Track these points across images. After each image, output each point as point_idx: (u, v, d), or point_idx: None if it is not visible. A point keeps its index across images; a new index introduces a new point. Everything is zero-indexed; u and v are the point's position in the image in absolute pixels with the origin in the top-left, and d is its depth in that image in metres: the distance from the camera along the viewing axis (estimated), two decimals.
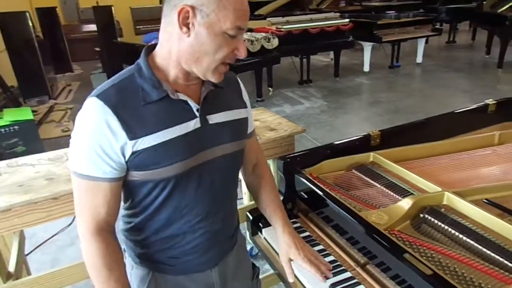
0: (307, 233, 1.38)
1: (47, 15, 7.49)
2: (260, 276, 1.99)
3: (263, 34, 5.09)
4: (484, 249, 1.06)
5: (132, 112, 0.84)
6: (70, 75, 8.01)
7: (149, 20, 10.06)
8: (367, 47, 6.80)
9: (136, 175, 0.88)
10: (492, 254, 1.04)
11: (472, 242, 1.09)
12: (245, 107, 1.05)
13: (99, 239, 0.89)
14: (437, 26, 7.37)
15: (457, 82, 6.16)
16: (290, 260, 1.10)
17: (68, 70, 8.13)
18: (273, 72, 5.97)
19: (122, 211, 1.00)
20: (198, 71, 0.87)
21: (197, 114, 0.90)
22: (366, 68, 7.02)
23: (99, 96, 0.84)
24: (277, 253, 1.33)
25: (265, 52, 5.07)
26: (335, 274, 1.17)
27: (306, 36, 5.81)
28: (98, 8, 6.82)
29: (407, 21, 7.02)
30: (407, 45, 8.12)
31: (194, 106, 0.90)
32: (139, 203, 0.94)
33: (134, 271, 1.03)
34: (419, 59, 7.50)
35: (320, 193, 1.31)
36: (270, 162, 1.63)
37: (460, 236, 1.12)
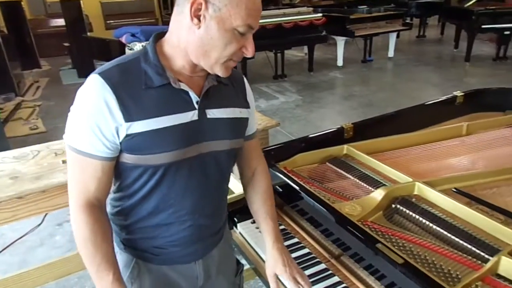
0: (282, 227, 1.37)
1: (11, 9, 7.16)
2: None
3: None
4: (453, 237, 1.08)
5: (132, 94, 0.84)
6: (38, 71, 7.71)
7: (120, 14, 9.81)
8: (340, 41, 6.87)
9: (128, 158, 0.88)
10: (461, 242, 1.06)
11: (442, 230, 1.12)
12: (248, 107, 1.04)
13: (87, 212, 0.88)
14: (407, 21, 7.52)
15: (427, 76, 6.32)
16: (276, 274, 1.06)
17: (36, 66, 7.82)
18: (248, 67, 5.95)
19: (111, 194, 0.99)
20: (205, 64, 0.87)
21: (196, 106, 0.90)
22: (340, 62, 7.10)
23: (101, 74, 0.84)
24: (253, 248, 1.33)
25: None
26: (310, 266, 1.18)
27: (280, 30, 5.81)
28: (66, 2, 6.58)
29: (378, 16, 7.13)
30: (379, 40, 8.27)
31: (194, 98, 0.90)
32: (128, 187, 0.93)
33: (118, 256, 1.00)
34: (391, 53, 7.65)
35: (295, 186, 1.30)
36: None
37: (431, 225, 1.15)
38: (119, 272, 0.91)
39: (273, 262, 1.05)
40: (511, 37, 6.70)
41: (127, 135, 0.84)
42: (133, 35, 4.36)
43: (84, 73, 6.60)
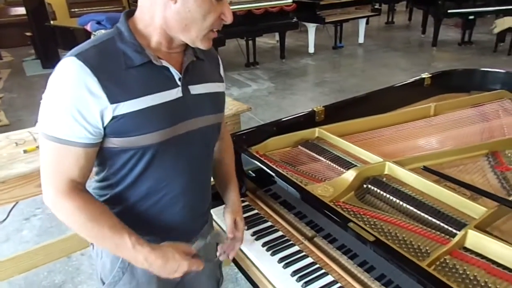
0: (255, 211, 1.37)
1: None
2: None
3: None
4: (422, 214, 1.10)
5: (113, 76, 0.80)
6: None
7: (85, 2, 9.40)
8: (311, 28, 6.87)
9: (115, 142, 0.84)
10: (430, 218, 1.08)
11: (411, 208, 1.14)
12: (223, 81, 1.04)
13: (75, 197, 0.83)
14: (376, 6, 7.60)
15: (396, 61, 6.43)
16: (235, 221, 1.11)
17: None
18: (219, 55, 5.83)
19: (93, 184, 0.96)
20: (186, 39, 0.85)
21: (178, 83, 0.88)
22: (311, 49, 7.11)
23: (78, 55, 0.79)
24: (225, 232, 1.31)
25: None
26: (283, 249, 1.18)
27: (250, 17, 5.74)
28: None
29: (348, 1, 7.15)
30: (349, 26, 8.32)
31: (176, 74, 0.88)
32: (115, 174, 0.89)
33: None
34: (361, 39, 7.73)
35: (267, 170, 1.29)
36: None
37: (401, 203, 1.16)
38: (134, 233, 0.87)
39: (236, 209, 1.12)
40: (476, 21, 6.90)
41: (113, 117, 0.80)
42: (98, 22, 4.20)
43: (48, 64, 6.33)
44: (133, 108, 0.81)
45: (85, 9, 8.77)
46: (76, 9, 9.17)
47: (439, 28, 6.90)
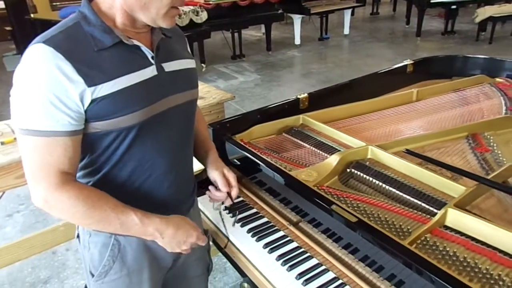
0: (240, 198, 1.37)
1: None
2: None
3: (191, 7, 4.91)
4: (404, 195, 1.12)
5: (86, 59, 0.78)
6: None
7: None
8: (297, 20, 6.86)
9: (97, 126, 0.82)
10: (412, 199, 1.10)
11: (394, 190, 1.15)
12: (193, 58, 1.03)
13: (68, 188, 0.81)
14: None
15: (381, 52, 6.48)
16: (223, 174, 1.13)
17: None
18: (205, 48, 5.81)
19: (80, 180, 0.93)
20: (147, 18, 0.83)
21: (152, 61, 0.87)
22: (297, 41, 7.11)
23: (47, 42, 0.76)
24: (212, 222, 1.31)
25: (194, 26, 4.91)
26: (268, 234, 1.18)
27: (236, 9, 5.71)
28: None
29: None
30: (334, 18, 8.34)
31: (148, 53, 0.87)
32: (98, 158, 0.87)
33: (92, 239, 0.95)
34: (346, 30, 7.75)
35: (252, 157, 1.29)
36: None
37: (384, 185, 1.18)
38: (139, 210, 0.86)
39: (220, 164, 1.14)
40: (458, 11, 6.98)
41: (92, 101, 0.78)
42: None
43: None
44: (111, 90, 0.80)
45: (67, 2, 8.59)
46: (57, 3, 8.95)
47: (423, 19, 6.97)
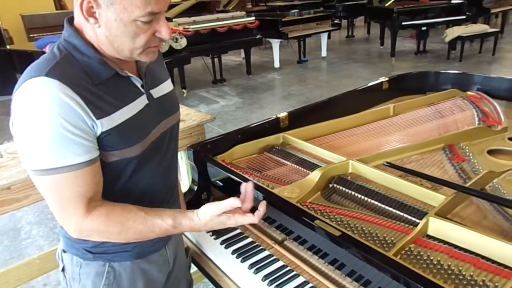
0: None
1: None
2: None
3: None
4: (387, 207, 1.12)
5: (88, 92, 0.76)
6: None
7: (44, 27, 9.20)
8: (275, 44, 7.01)
9: (102, 156, 0.82)
10: (394, 210, 1.11)
11: (376, 202, 1.16)
12: (169, 77, 1.03)
13: (97, 212, 0.80)
14: (336, 21, 7.87)
15: (358, 72, 6.65)
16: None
17: None
18: (186, 74, 5.85)
19: None
20: (125, 57, 0.82)
21: (142, 90, 0.88)
22: (277, 64, 7.24)
23: (48, 74, 0.72)
24: (197, 246, 1.29)
25: (174, 53, 4.95)
26: (253, 255, 1.16)
27: (215, 35, 5.80)
28: None
29: (309, 17, 7.39)
30: (312, 41, 8.56)
31: (138, 82, 0.87)
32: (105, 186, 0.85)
33: (84, 269, 0.93)
34: (324, 53, 7.96)
35: (234, 177, 1.28)
36: (181, 154, 1.57)
37: (366, 199, 1.18)
38: (166, 213, 0.86)
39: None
40: (428, 32, 7.28)
41: (101, 133, 0.78)
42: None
43: (6, 90, 6.09)
44: (112, 125, 0.79)
45: (44, 34, 8.57)
46: (35, 34, 8.94)
47: (396, 40, 7.21)
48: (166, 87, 0.97)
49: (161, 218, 0.85)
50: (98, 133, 0.78)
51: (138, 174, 0.88)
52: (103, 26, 0.76)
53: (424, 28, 7.04)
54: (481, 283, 0.83)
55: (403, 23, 6.85)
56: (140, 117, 0.85)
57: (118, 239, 0.85)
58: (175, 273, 1.10)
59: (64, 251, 0.96)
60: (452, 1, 7.12)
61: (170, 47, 4.86)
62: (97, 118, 0.76)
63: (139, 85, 0.87)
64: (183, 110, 1.88)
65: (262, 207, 0.90)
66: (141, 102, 0.87)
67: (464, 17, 6.77)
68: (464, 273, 0.86)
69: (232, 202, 0.86)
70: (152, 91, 0.91)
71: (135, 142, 0.84)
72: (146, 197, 0.92)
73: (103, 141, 0.79)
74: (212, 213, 0.87)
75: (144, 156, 0.87)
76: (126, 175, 0.87)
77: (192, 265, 1.34)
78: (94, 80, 0.78)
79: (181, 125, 1.71)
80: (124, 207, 0.84)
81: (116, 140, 0.81)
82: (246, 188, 0.91)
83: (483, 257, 0.89)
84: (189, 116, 1.63)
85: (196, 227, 0.88)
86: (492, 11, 7.92)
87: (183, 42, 5.00)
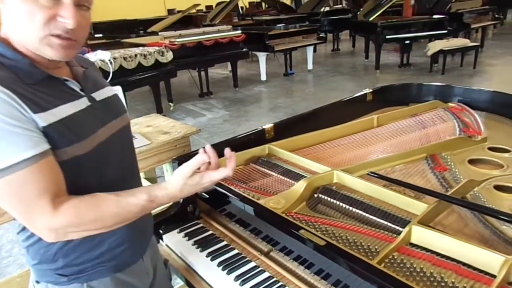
0: (210, 232, 1.34)
1: None
2: None
3: (156, 48, 4.97)
4: (370, 216, 1.14)
5: (21, 88, 0.74)
6: None
7: None
8: (262, 57, 7.09)
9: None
10: (378, 219, 1.12)
11: (360, 212, 1.17)
12: (109, 85, 1.03)
13: (67, 205, 0.76)
14: (321, 35, 8.01)
15: (344, 84, 6.75)
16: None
17: None
18: (173, 87, 5.85)
19: (24, 234, 0.86)
20: (32, 47, 0.78)
21: (82, 93, 0.87)
22: (263, 77, 7.31)
23: None
24: (182, 259, 1.27)
25: (160, 66, 4.95)
26: (239, 266, 1.15)
27: (201, 48, 5.84)
28: None
29: (295, 31, 7.50)
30: (298, 54, 8.68)
31: (76, 85, 0.87)
32: None
33: None
34: (310, 66, 8.07)
35: (219, 189, 1.28)
36: (166, 166, 1.56)
37: (350, 208, 1.19)
38: (148, 187, 0.85)
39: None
40: (412, 46, 7.46)
41: (42, 128, 0.75)
42: None
43: None
44: (53, 119, 0.77)
45: None
46: None
47: (380, 53, 7.36)
48: (109, 91, 0.97)
49: (134, 196, 0.83)
50: (40, 127, 0.75)
51: (94, 175, 0.85)
52: (8, 3, 0.74)
53: (407, 42, 7.21)
54: None
55: (387, 37, 7.00)
56: (83, 115, 0.84)
57: (97, 228, 0.81)
58: (157, 285, 1.08)
59: (38, 282, 0.91)
60: (434, 16, 7.32)
61: (156, 60, 4.86)
62: (34, 112, 0.74)
63: (77, 89, 0.86)
64: (169, 122, 1.88)
65: (231, 157, 0.90)
66: (83, 102, 0.86)
67: (445, 31, 6.96)
68: (446, 280, 0.87)
69: (199, 158, 0.86)
70: (93, 94, 0.90)
71: (80, 139, 0.81)
72: None
73: (47, 138, 0.76)
74: (183, 175, 0.86)
75: (96, 156, 0.84)
76: (82, 177, 0.83)
77: (178, 279, 1.32)
78: (26, 80, 0.77)
79: (166, 137, 1.72)
80: (93, 195, 0.80)
81: (59, 137, 0.77)
82: (205, 149, 0.90)
83: (464, 264, 0.90)
84: (174, 128, 1.63)
85: (172, 194, 0.86)
86: (472, 26, 8.16)
87: (169, 56, 5.01)
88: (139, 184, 1.03)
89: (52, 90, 0.80)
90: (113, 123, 0.92)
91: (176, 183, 0.86)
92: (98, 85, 0.95)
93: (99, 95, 0.92)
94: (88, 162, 0.83)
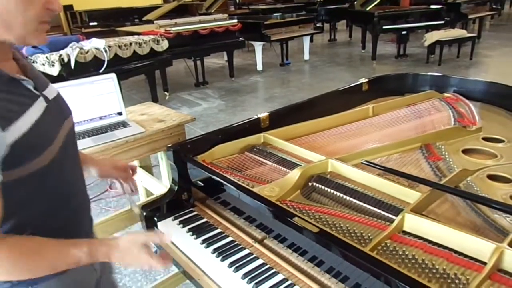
0: (204, 220, 1.34)
1: None
2: (165, 277, 1.90)
3: (151, 37, 4.92)
4: (364, 204, 1.14)
5: None
6: None
7: None
8: (258, 46, 7.04)
9: (14, 174, 0.73)
10: (371, 208, 1.12)
11: (354, 200, 1.17)
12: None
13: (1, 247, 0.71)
14: (318, 25, 7.97)
15: (340, 75, 6.74)
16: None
17: None
18: (169, 76, 5.82)
19: None
20: (15, 37, 0.73)
21: (36, 92, 0.81)
22: (259, 67, 7.27)
23: None
24: (178, 248, 1.27)
25: (155, 55, 4.91)
26: (233, 253, 1.16)
27: (197, 37, 5.79)
28: None
29: (291, 21, 7.46)
30: (294, 44, 8.64)
31: (30, 85, 0.80)
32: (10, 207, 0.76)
33: None
34: (306, 56, 8.03)
35: (214, 177, 1.28)
36: (161, 155, 1.56)
37: (344, 196, 1.20)
38: (86, 241, 0.83)
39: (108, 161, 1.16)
40: (408, 36, 7.43)
41: (9, 146, 0.70)
42: (35, 46, 4.02)
43: None
44: (20, 132, 0.72)
45: None
46: None
47: (377, 43, 7.34)
48: (54, 89, 0.91)
49: (73, 246, 0.80)
50: (3, 148, 0.69)
51: (56, 182, 0.83)
52: None
53: (404, 32, 7.18)
54: (453, 276, 0.85)
55: (384, 27, 6.97)
56: (44, 121, 0.78)
57: (27, 275, 0.76)
58: (103, 280, 1.04)
59: None
60: (431, 6, 7.29)
61: (152, 49, 4.82)
62: (3, 129, 0.69)
63: (31, 87, 0.80)
64: (163, 110, 1.87)
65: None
66: (41, 104, 0.80)
67: (442, 22, 6.94)
68: (437, 267, 0.88)
69: (156, 238, 0.89)
70: (45, 93, 0.84)
71: (44, 148, 0.77)
72: (69, 205, 0.89)
73: (15, 152, 0.71)
74: (135, 238, 0.86)
75: (56, 163, 0.81)
76: (45, 186, 0.80)
77: (173, 267, 1.33)
78: None
79: (161, 125, 1.71)
80: (32, 238, 0.76)
81: (26, 151, 0.73)
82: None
83: (455, 251, 0.91)
84: (169, 116, 1.62)
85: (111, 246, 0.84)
86: (470, 16, 8.14)
87: (164, 44, 4.97)
88: (85, 189, 1.01)
89: (12, 95, 0.73)
90: (66, 123, 0.88)
91: (123, 239, 0.85)
92: (45, 82, 0.88)
93: (49, 93, 0.86)
94: (47, 173, 0.79)
